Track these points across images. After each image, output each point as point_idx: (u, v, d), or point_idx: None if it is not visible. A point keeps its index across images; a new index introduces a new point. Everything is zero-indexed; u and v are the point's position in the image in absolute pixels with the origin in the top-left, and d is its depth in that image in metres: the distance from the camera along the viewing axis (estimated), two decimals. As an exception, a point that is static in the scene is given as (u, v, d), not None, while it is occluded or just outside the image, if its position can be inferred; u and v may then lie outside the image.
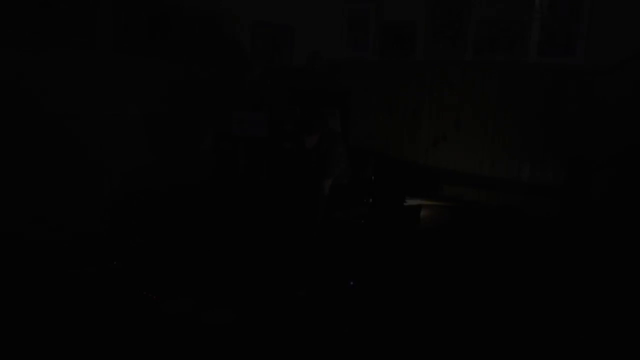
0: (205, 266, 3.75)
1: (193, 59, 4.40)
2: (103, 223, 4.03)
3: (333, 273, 3.43)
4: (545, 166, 3.89)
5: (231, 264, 3.82)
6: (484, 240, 3.80)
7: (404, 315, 3.13)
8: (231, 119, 4.44)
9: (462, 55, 4.26)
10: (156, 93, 4.23)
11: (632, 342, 2.87)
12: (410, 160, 4.64)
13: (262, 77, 4.93)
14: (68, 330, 2.78)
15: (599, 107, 3.60)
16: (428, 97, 4.49)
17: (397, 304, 3.24)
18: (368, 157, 4.04)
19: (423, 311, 3.21)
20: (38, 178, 3.68)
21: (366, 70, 4.89)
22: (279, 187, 4.04)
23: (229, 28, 4.61)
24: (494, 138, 4.14)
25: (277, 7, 4.90)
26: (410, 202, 3.63)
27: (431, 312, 3.21)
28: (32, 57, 3.54)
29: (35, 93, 3.59)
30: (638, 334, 2.93)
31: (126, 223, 4.10)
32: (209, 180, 4.60)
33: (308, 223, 3.64)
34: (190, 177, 4.48)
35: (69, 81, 3.74)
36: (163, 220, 4.13)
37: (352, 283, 3.33)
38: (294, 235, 3.75)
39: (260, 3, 4.81)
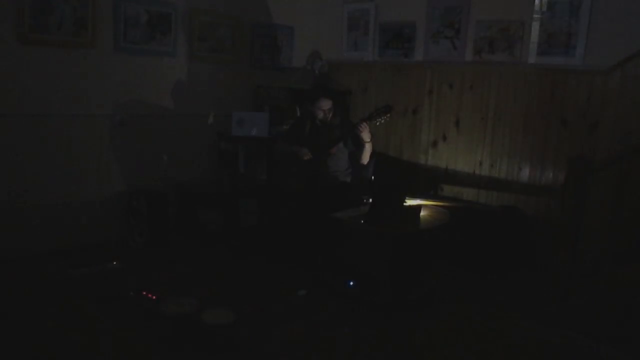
0: (206, 266, 3.76)
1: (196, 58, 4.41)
2: (104, 222, 4.04)
3: (333, 273, 3.43)
4: (545, 166, 3.90)
5: (233, 262, 3.83)
6: (483, 239, 3.81)
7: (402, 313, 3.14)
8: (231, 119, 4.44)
9: (462, 56, 4.26)
10: (157, 92, 4.24)
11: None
12: (411, 160, 4.65)
13: (262, 77, 4.92)
14: (68, 330, 2.78)
15: (598, 108, 3.60)
16: (428, 97, 4.50)
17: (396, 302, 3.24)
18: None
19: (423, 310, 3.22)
20: (38, 178, 3.69)
21: (366, 70, 4.90)
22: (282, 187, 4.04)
23: (230, 27, 4.60)
24: (494, 138, 4.15)
25: (277, 7, 4.89)
26: (410, 202, 3.62)
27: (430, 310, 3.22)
28: (32, 57, 3.55)
29: (35, 93, 3.60)
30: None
31: (126, 223, 4.10)
32: (209, 180, 4.60)
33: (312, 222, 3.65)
34: (190, 177, 4.48)
35: (69, 81, 3.74)
36: (163, 220, 4.13)
37: (352, 283, 3.33)
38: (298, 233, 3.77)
39: (260, 3, 4.81)
